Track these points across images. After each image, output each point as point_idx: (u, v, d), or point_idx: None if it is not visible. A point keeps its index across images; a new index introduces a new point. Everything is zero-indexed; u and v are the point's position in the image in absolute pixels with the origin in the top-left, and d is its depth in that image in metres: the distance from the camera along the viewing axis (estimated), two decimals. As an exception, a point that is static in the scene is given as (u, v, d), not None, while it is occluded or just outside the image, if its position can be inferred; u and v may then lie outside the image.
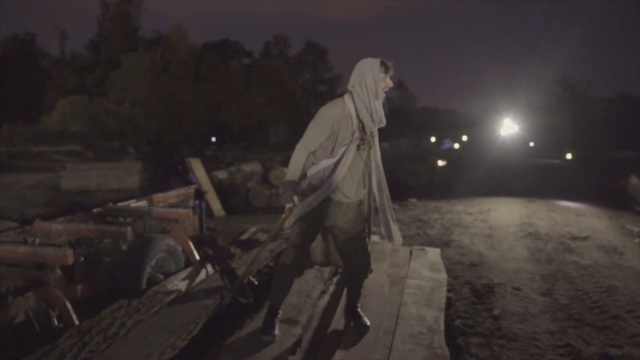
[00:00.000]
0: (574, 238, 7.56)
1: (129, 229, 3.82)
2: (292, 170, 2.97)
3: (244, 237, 6.83)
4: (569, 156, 26.14)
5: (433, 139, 35.15)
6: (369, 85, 2.87)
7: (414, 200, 11.23)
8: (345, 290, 3.57)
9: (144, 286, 3.63)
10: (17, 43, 39.77)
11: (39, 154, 17.52)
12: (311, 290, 3.92)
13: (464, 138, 38.29)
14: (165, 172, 13.23)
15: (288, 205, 2.96)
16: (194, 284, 3.85)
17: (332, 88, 46.43)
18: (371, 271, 3.37)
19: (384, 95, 3.00)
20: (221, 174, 10.64)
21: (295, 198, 2.91)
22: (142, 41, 36.51)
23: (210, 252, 4.51)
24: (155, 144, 25.04)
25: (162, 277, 3.91)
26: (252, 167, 11.84)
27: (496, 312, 4.31)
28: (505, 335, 3.85)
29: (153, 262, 3.81)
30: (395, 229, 3.28)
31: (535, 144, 28.46)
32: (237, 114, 33.47)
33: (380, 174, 3.14)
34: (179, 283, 3.76)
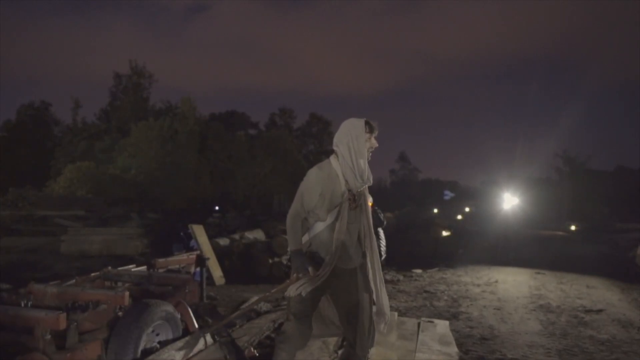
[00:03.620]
0: (588, 311, 7.27)
1: (127, 294, 3.67)
2: (293, 240, 2.90)
3: (245, 306, 6.59)
4: (572, 227, 25.97)
5: (435, 210, 35.15)
6: (353, 145, 2.86)
7: (419, 271, 10.97)
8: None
9: (138, 355, 3.43)
10: (32, 110, 41.02)
11: (42, 218, 17.45)
12: (316, 362, 3.70)
13: (467, 209, 38.29)
14: (167, 239, 13.09)
15: (298, 275, 2.86)
16: (191, 354, 3.64)
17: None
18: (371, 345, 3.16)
19: (370, 154, 2.97)
20: (223, 241, 10.50)
21: (311, 268, 2.82)
22: (152, 111, 37.62)
23: (209, 320, 4.32)
24: (159, 211, 25.04)
25: (158, 346, 3.71)
26: (255, 234, 11.71)
27: (512, 390, 4.03)
28: (524, 416, 3.57)
29: (150, 330, 3.63)
30: (385, 299, 3.14)
31: (536, 215, 28.34)
32: (241, 183, 33.77)
33: (371, 236, 3.03)
34: (175, 353, 3.55)
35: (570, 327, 6.31)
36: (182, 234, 10.10)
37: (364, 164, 2.90)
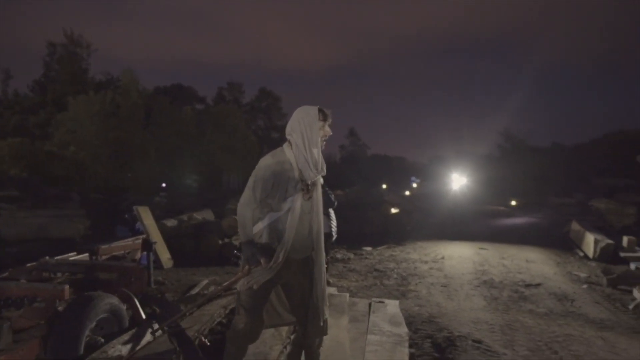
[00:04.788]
0: (527, 285, 7.64)
1: (66, 287, 3.47)
2: (244, 231, 2.80)
3: (195, 291, 6.46)
4: (513, 203, 27.21)
5: (384, 186, 35.79)
6: (306, 133, 2.78)
7: (369, 248, 11.15)
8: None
9: (81, 352, 3.26)
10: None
11: (-30, 200, 16.32)
12: (269, 352, 3.66)
13: (415, 186, 39.24)
14: (111, 219, 12.59)
15: (250, 267, 2.77)
16: (138, 347, 3.50)
17: (285, 135, 46.87)
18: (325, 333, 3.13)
19: (324, 143, 2.91)
20: (171, 223, 10.21)
21: (263, 260, 2.72)
22: (92, 84, 35.69)
23: (157, 310, 4.18)
24: (102, 190, 24.04)
25: (103, 340, 3.55)
26: (204, 215, 11.48)
27: (459, 367, 4.17)
28: (470, 394, 3.71)
29: (93, 325, 3.46)
30: (326, 302, 3.05)
31: (480, 191, 29.49)
32: (189, 160, 32.90)
33: (320, 228, 2.95)
34: (121, 347, 3.41)
35: (512, 302, 6.62)
36: (126, 216, 9.74)
37: (317, 153, 2.83)
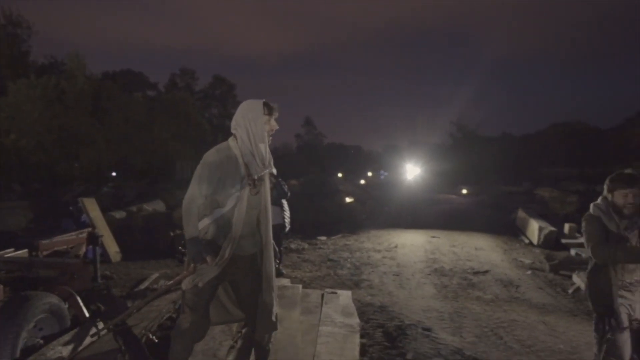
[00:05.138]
0: (475, 273, 7.89)
1: (0, 287, 3.27)
2: (189, 227, 2.69)
3: (145, 285, 6.28)
4: (464, 191, 28.04)
5: (340, 175, 36.04)
6: (251, 128, 2.71)
7: (323, 238, 11.20)
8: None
9: (17, 355, 3.09)
10: None
11: None
12: (218, 348, 3.60)
13: (369, 174, 39.73)
14: (55, 211, 12.03)
15: (195, 265, 2.68)
16: (80, 348, 3.36)
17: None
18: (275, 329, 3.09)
19: (271, 138, 2.83)
20: (119, 214, 9.88)
21: (209, 258, 2.64)
22: (33, 67, 33.82)
23: (102, 307, 4.03)
24: (46, 181, 22.95)
25: (42, 342, 3.38)
26: (155, 206, 11.17)
27: (409, 356, 4.24)
28: (419, 382, 3.79)
29: (31, 326, 3.28)
30: (276, 299, 2.96)
31: (433, 180, 30.22)
32: (140, 148, 31.89)
33: (268, 223, 2.87)
34: (62, 348, 3.26)
35: (461, 289, 6.82)
36: (71, 208, 9.33)
37: (264, 148, 2.76)
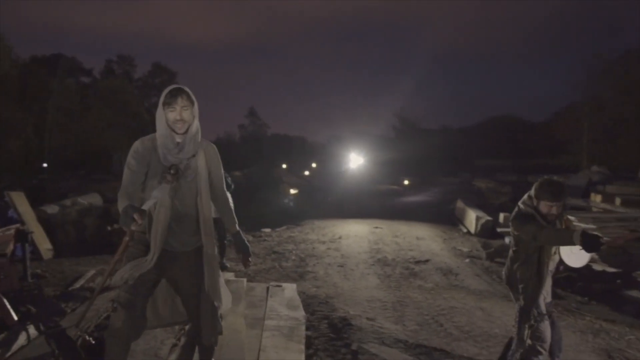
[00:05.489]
0: (417, 262, 8.13)
1: None
2: (120, 205, 2.54)
3: (80, 283, 5.98)
4: (406, 182, 28.78)
5: (284, 166, 35.95)
6: (159, 116, 2.64)
7: (268, 230, 11.14)
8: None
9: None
10: None
11: None
12: (160, 347, 3.48)
13: (314, 165, 39.86)
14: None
15: (129, 231, 2.47)
16: (9, 353, 3.15)
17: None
18: (220, 333, 3.02)
19: (180, 126, 2.62)
20: (51, 209, 9.35)
21: (136, 215, 2.44)
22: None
23: (33, 309, 3.79)
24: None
25: (-37, 349, 3.14)
26: (91, 199, 10.67)
27: (354, 346, 4.30)
28: (364, 372, 3.85)
29: (-50, 332, 3.04)
30: (224, 289, 2.88)
31: (376, 171, 30.81)
32: (73, 138, 30.30)
33: (207, 214, 2.76)
34: (-13, 355, 3.04)
35: (403, 279, 7.00)
36: (-4, 202, 8.71)
37: (170, 135, 2.64)
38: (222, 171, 2.98)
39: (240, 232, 2.98)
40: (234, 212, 3.03)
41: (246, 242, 2.97)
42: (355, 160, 21.70)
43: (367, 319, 5.11)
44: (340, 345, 4.36)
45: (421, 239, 10.47)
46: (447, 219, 13.78)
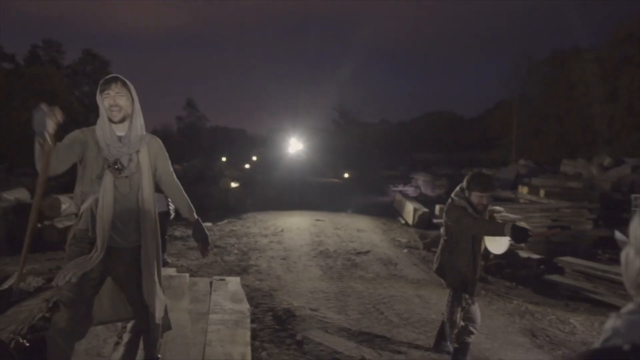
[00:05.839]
0: (358, 253, 8.35)
1: None
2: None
3: (8, 284, 5.66)
4: (346, 175, 29.26)
5: (224, 159, 35.45)
6: (100, 106, 2.61)
7: (209, 224, 10.99)
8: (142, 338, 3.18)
9: None
10: None
11: None
12: (102, 345, 3.41)
13: (254, 158, 39.57)
14: None
15: (49, 132, 2.33)
16: None
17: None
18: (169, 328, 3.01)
19: (114, 114, 2.58)
20: (-26, 204, 8.73)
21: (49, 111, 2.31)
22: None
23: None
24: None
25: None
26: (17, 194, 10.05)
27: (299, 337, 4.40)
28: (309, 360, 3.95)
29: None
30: (159, 296, 2.77)
31: (317, 164, 31.12)
32: (-6, 129, 28.28)
33: (148, 209, 2.72)
34: None
35: (345, 270, 7.17)
36: None
37: (110, 127, 2.60)
38: (170, 163, 2.95)
39: (199, 220, 2.97)
40: (189, 200, 3.00)
41: (205, 230, 2.96)
42: (295, 146, 21.78)
43: (311, 309, 5.21)
44: (285, 336, 4.45)
45: (362, 230, 10.74)
46: (387, 211, 14.19)
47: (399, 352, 4.20)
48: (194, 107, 59.68)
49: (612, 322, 0.77)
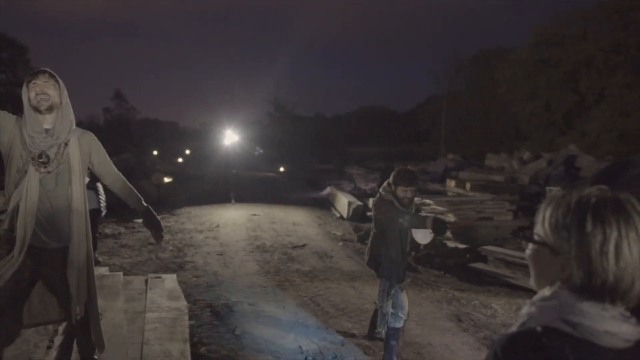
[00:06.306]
0: (294, 247, 8.47)
1: None
2: None
3: None
4: (282, 169, 29.31)
5: (155, 153, 34.34)
6: (24, 98, 2.55)
7: (140, 221, 10.68)
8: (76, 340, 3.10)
9: None
10: None
11: None
12: (33, 350, 3.29)
13: (188, 152, 38.62)
14: None
15: None
16: None
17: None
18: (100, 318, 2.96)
19: (42, 103, 2.51)
20: None
21: None
22: None
23: None
24: None
25: None
26: None
27: (237, 331, 4.46)
28: (248, 353, 4.02)
29: None
30: (92, 297, 2.70)
31: (252, 158, 30.92)
32: None
33: (77, 207, 2.62)
34: None
35: (282, 264, 7.27)
36: None
37: (36, 118, 2.51)
38: (107, 155, 2.89)
39: (150, 207, 2.93)
40: (135, 190, 2.95)
41: (157, 217, 2.93)
42: (230, 137, 21.45)
43: (249, 304, 5.28)
44: (224, 331, 4.49)
45: (298, 224, 10.87)
46: (322, 204, 14.43)
47: (336, 342, 4.36)
48: (123, 99, 57.06)
49: (527, 308, 0.91)
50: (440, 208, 9.37)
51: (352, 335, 4.49)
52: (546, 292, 0.90)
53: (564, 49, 23.67)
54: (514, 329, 0.90)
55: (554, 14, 25.10)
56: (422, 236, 3.76)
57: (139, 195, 2.90)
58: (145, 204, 2.91)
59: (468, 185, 11.43)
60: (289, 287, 6.03)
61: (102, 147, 2.83)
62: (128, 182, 2.91)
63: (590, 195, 0.86)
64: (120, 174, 2.90)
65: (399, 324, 3.69)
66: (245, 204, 13.75)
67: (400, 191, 3.63)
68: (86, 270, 2.70)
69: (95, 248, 6.72)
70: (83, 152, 2.71)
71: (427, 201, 9.93)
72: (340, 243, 9.04)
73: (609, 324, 0.82)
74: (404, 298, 3.73)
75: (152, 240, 8.47)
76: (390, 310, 3.70)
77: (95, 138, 2.82)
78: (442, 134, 32.13)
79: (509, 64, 26.10)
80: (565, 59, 23.56)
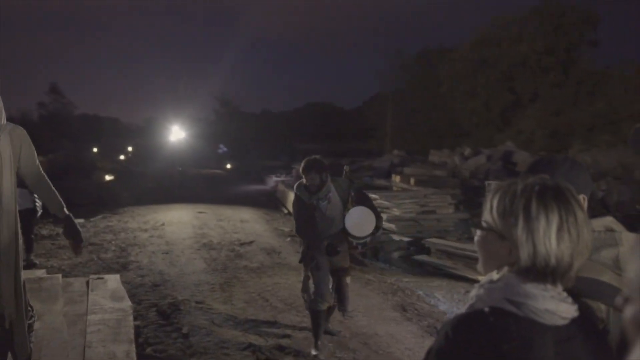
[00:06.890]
0: (242, 244, 8.43)
1: None
2: None
3: None
4: (228, 166, 28.96)
5: (95, 150, 33.01)
6: None
7: (81, 220, 10.25)
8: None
9: None
10: None
11: None
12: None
13: (130, 149, 37.36)
14: None
15: None
16: None
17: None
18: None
19: None
20: None
21: None
22: None
23: None
24: None
25: None
26: None
27: (185, 330, 4.41)
28: (196, 352, 3.99)
29: None
30: (22, 302, 2.59)
31: (198, 155, 30.33)
32: None
33: (5, 212, 2.49)
34: None
35: (229, 261, 7.23)
36: None
37: None
38: (36, 155, 2.77)
39: (71, 216, 2.81)
40: (58, 195, 2.82)
41: (78, 226, 2.82)
42: (177, 134, 20.99)
43: (196, 302, 5.22)
44: (170, 330, 4.43)
45: (245, 221, 10.81)
46: (269, 201, 14.40)
47: (284, 336, 4.41)
48: (59, 93, 54.31)
49: (475, 291, 0.98)
50: (386, 203, 9.59)
51: (301, 329, 4.55)
52: (494, 275, 0.96)
53: (501, 50, 24.78)
54: (463, 310, 0.96)
55: (492, 18, 26.25)
56: (358, 231, 3.87)
57: (62, 201, 2.76)
58: (67, 212, 2.76)
59: (412, 180, 11.76)
60: (236, 284, 6.01)
61: (32, 144, 2.70)
62: (52, 186, 2.77)
63: (534, 183, 0.94)
64: (45, 175, 2.76)
65: (320, 306, 3.88)
66: (191, 202, 13.49)
67: (305, 178, 3.98)
68: (14, 273, 2.57)
69: (30, 250, 6.44)
70: (14, 148, 2.59)
71: (374, 196, 10.14)
72: (288, 239, 9.08)
73: (549, 303, 0.89)
74: (320, 280, 3.90)
75: (95, 240, 8.15)
76: (312, 295, 3.89)
77: (26, 134, 2.70)
78: (387, 130, 32.78)
79: (450, 63, 27.00)
80: (502, 60, 24.67)
